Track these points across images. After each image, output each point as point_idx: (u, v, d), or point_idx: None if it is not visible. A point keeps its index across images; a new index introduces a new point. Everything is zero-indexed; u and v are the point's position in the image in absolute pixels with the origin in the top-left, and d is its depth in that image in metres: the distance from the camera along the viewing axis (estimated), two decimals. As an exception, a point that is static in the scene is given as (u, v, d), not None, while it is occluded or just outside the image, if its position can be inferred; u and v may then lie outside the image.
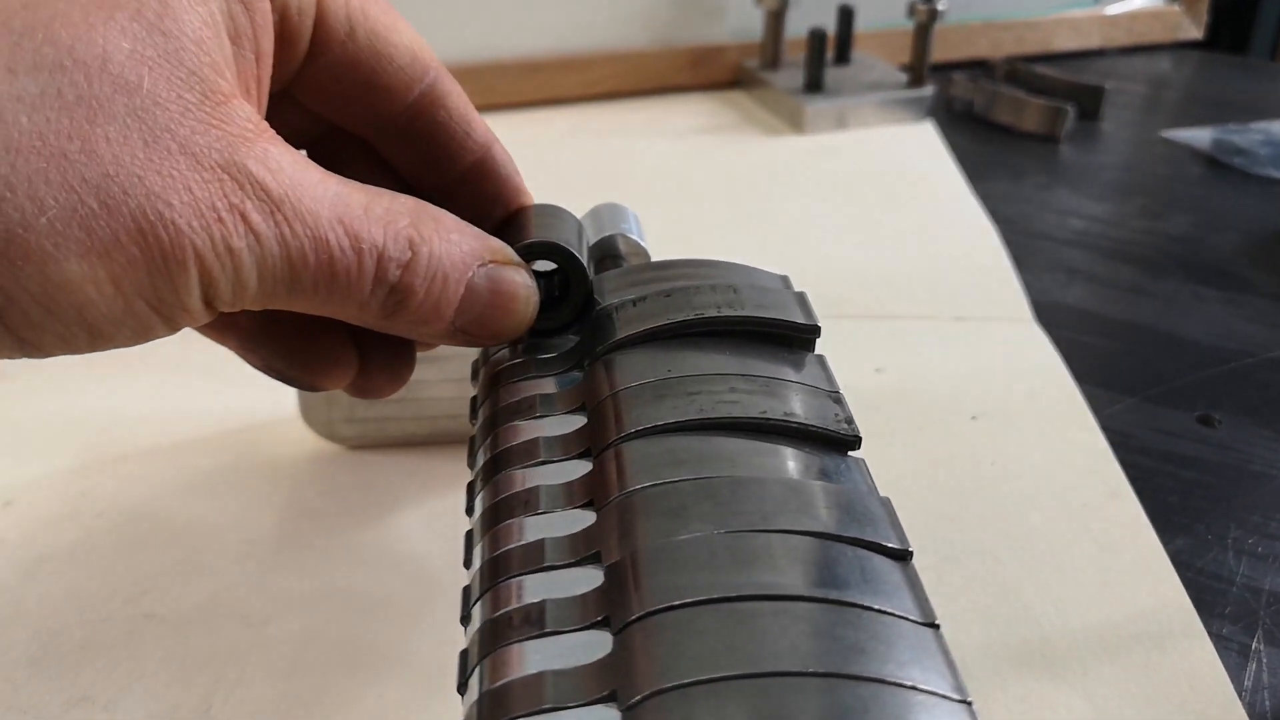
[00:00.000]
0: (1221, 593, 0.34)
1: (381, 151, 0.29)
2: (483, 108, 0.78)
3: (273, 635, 0.30)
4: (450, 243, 0.25)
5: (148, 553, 0.33)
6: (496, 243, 0.26)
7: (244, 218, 0.21)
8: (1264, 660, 0.31)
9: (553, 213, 0.30)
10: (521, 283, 0.26)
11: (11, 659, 0.29)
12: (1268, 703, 0.30)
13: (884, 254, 0.57)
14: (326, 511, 0.36)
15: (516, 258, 0.27)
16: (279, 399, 0.41)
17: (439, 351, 0.34)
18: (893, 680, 0.19)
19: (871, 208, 0.63)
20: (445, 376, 0.38)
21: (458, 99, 0.28)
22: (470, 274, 0.25)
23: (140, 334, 0.21)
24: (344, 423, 0.39)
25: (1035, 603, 0.32)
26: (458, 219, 0.26)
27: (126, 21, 0.20)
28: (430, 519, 0.35)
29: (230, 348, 0.28)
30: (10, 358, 0.20)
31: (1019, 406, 0.43)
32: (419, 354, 0.31)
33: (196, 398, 0.42)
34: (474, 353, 0.31)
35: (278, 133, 0.28)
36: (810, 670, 0.18)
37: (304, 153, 0.30)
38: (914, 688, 0.19)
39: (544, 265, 0.28)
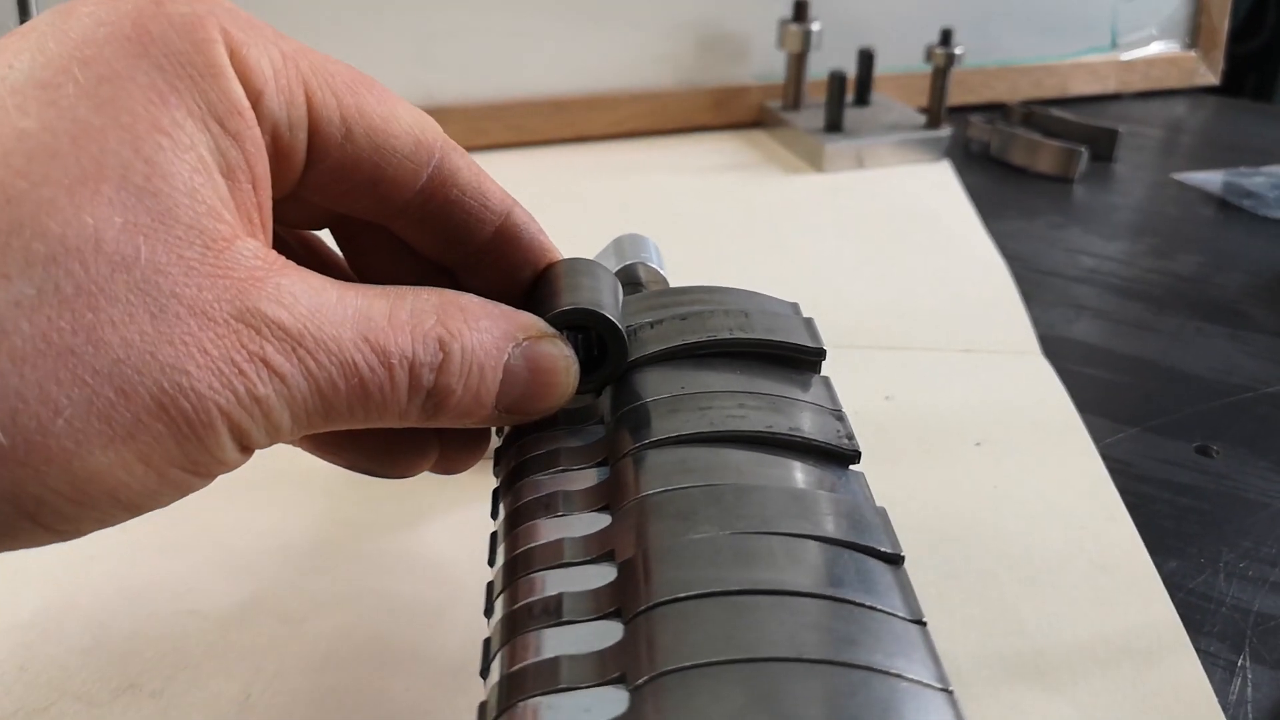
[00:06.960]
0: (1211, 612, 0.35)
1: (399, 234, 0.28)
2: (513, 144, 0.81)
3: (308, 632, 0.32)
4: (481, 330, 0.24)
5: (191, 555, 0.35)
6: (527, 318, 0.26)
7: (265, 362, 0.20)
8: (1249, 676, 0.33)
9: (584, 270, 0.29)
10: (559, 354, 0.26)
11: (65, 648, 0.31)
12: (1251, 716, 0.31)
13: (897, 288, 0.58)
14: (359, 520, 0.37)
15: (549, 329, 0.26)
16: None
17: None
18: (880, 668, 0.20)
19: (886, 244, 0.65)
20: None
21: (468, 173, 0.27)
22: (505, 357, 0.25)
23: (179, 494, 0.21)
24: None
25: (1030, 617, 0.34)
26: (483, 301, 0.25)
27: (113, 192, 0.19)
28: (454, 529, 0.37)
29: (309, 452, 0.28)
30: (46, 544, 0.20)
31: (1021, 434, 0.44)
32: None
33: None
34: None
35: (291, 224, 0.28)
36: (804, 657, 0.20)
37: (307, 240, 0.30)
38: (899, 676, 0.20)
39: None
